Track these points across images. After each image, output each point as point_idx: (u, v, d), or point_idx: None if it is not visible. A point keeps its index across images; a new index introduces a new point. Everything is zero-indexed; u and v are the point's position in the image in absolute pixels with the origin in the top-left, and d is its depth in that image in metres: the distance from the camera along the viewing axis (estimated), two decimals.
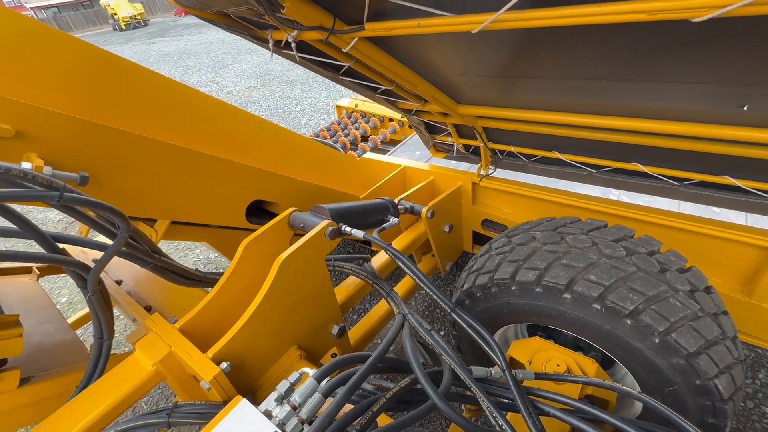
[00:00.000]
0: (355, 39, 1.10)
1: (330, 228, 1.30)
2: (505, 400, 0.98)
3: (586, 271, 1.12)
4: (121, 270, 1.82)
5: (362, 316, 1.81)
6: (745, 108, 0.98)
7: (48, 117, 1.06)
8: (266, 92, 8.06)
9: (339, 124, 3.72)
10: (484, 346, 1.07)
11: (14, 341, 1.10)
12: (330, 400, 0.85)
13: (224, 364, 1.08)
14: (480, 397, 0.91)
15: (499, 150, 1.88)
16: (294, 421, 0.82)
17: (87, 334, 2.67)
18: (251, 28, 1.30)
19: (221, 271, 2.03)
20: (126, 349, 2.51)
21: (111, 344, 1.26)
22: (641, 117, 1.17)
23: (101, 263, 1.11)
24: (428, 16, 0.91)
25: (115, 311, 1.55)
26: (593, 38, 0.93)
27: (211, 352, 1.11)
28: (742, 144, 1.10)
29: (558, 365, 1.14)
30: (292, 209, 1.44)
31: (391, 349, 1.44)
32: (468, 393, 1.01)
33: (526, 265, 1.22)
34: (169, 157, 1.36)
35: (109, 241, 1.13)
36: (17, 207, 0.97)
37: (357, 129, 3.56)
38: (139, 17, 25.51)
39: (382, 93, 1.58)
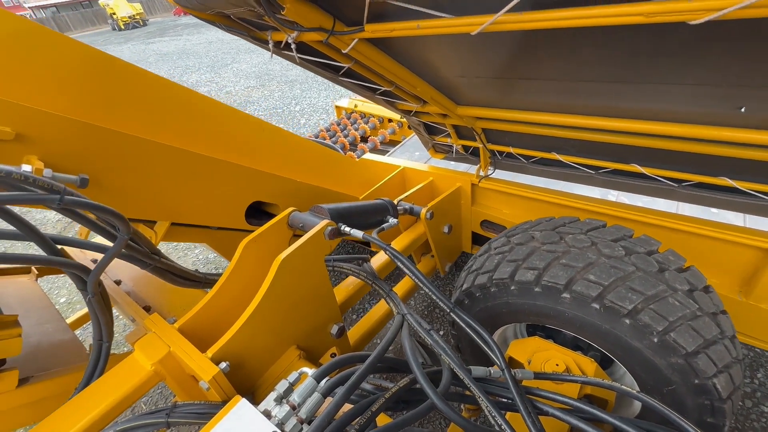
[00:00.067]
0: (355, 40, 1.10)
1: (329, 228, 1.30)
2: (504, 400, 0.98)
3: (585, 271, 1.12)
4: (120, 270, 1.82)
5: (362, 316, 1.81)
6: (743, 110, 0.99)
7: (48, 119, 1.06)
8: (265, 92, 8.06)
9: (338, 124, 3.72)
10: (483, 345, 1.07)
11: (13, 341, 1.10)
12: (329, 400, 0.85)
13: (223, 364, 1.08)
14: (479, 397, 0.91)
15: (498, 151, 1.89)
16: (293, 420, 0.82)
17: (86, 335, 2.66)
18: (251, 29, 1.30)
19: (220, 271, 2.03)
20: (125, 349, 2.51)
21: (110, 346, 1.26)
22: (640, 118, 1.18)
23: (101, 266, 1.11)
24: (428, 18, 0.91)
25: (115, 311, 1.55)
26: (592, 40, 0.94)
27: (210, 352, 1.11)
28: (739, 145, 1.10)
29: (557, 365, 1.14)
30: (291, 209, 1.44)
31: (390, 348, 1.44)
32: (467, 393, 1.01)
33: (525, 264, 1.23)
34: (168, 159, 1.36)
35: (109, 243, 1.13)
36: (16, 209, 0.97)
37: (356, 130, 3.56)
38: (138, 17, 25.48)
39: (382, 94, 1.59)
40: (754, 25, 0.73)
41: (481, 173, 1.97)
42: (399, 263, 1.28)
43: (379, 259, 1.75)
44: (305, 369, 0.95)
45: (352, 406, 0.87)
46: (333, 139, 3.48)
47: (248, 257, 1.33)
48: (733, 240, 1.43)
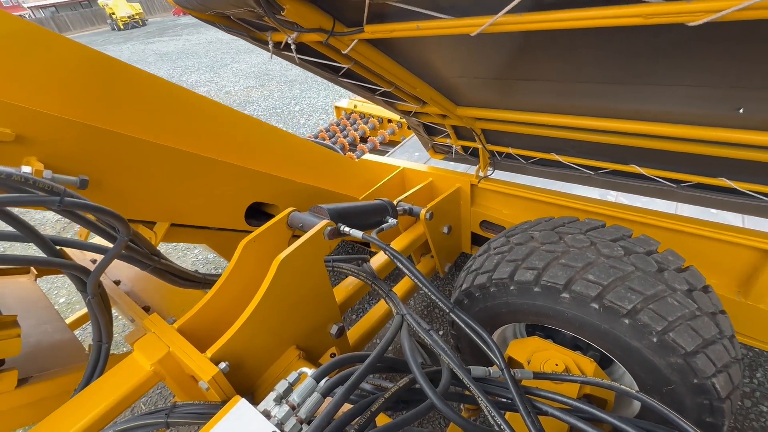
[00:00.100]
0: (355, 41, 1.10)
1: (329, 228, 1.30)
2: (503, 400, 0.99)
3: (584, 271, 1.13)
4: (120, 270, 1.81)
5: (361, 316, 1.82)
6: (741, 111, 0.99)
7: (47, 121, 1.06)
8: (265, 92, 8.06)
9: (338, 125, 3.73)
10: (482, 345, 1.07)
11: (12, 342, 1.10)
12: (329, 400, 0.85)
13: (223, 364, 1.08)
14: (478, 397, 0.91)
15: (497, 152, 1.89)
16: (292, 420, 0.82)
17: (85, 335, 2.66)
18: (251, 30, 1.30)
19: (220, 271, 2.03)
20: (124, 349, 2.51)
21: (110, 347, 1.26)
22: (639, 119, 1.18)
23: (101, 267, 1.11)
24: (427, 19, 0.91)
25: (114, 312, 1.55)
26: (591, 41, 0.94)
27: (209, 352, 1.11)
28: (738, 146, 1.11)
29: (556, 365, 1.14)
30: (290, 209, 1.44)
31: (390, 348, 1.44)
32: (467, 392, 1.01)
33: (525, 264, 1.23)
34: (167, 160, 1.36)
35: (108, 244, 1.13)
36: (15, 210, 0.97)
37: (356, 130, 3.56)
38: (137, 17, 25.46)
39: (381, 94, 1.59)
40: (752, 26, 0.74)
41: (481, 174, 1.98)
42: (398, 263, 1.28)
43: (378, 260, 1.75)
44: (305, 369, 0.95)
45: (352, 406, 0.87)
46: (332, 139, 3.48)
47: (247, 257, 1.33)
48: (731, 240, 1.43)
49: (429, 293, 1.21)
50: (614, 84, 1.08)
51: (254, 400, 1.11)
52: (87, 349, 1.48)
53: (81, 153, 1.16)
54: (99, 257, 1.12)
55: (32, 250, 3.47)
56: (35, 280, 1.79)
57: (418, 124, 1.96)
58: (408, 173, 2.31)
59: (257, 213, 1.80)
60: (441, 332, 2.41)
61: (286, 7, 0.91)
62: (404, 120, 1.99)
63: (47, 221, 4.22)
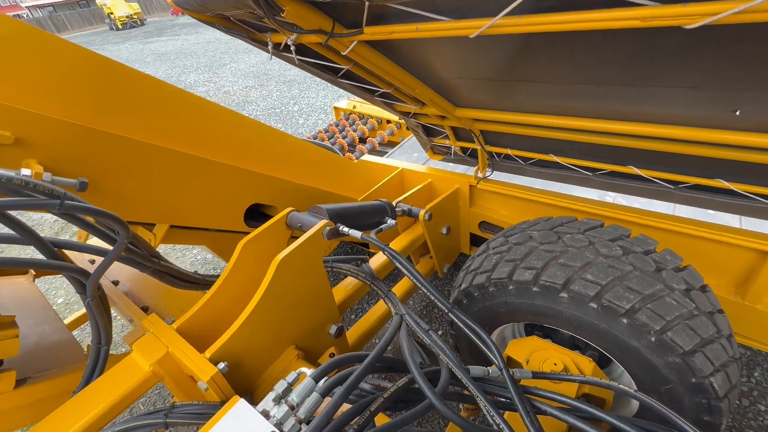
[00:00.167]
0: (354, 42, 1.11)
1: (328, 228, 1.30)
2: (502, 399, 0.99)
3: (582, 271, 1.13)
4: (118, 270, 1.81)
5: (360, 317, 1.82)
6: (738, 113, 1.00)
7: (47, 123, 1.06)
8: (264, 92, 8.05)
9: (337, 125, 3.73)
10: (481, 345, 1.08)
11: (10, 342, 1.10)
12: (328, 400, 0.85)
13: (222, 365, 1.08)
14: (477, 397, 0.92)
15: (496, 153, 1.90)
16: (292, 420, 0.82)
17: (84, 335, 2.65)
18: (250, 31, 1.30)
19: (219, 272, 2.02)
20: (123, 349, 2.50)
21: (109, 350, 1.26)
22: (636, 121, 1.19)
23: (100, 269, 1.11)
24: (427, 21, 0.92)
25: (113, 312, 1.55)
26: (589, 43, 0.95)
27: (208, 353, 1.11)
28: (735, 148, 1.11)
29: (555, 364, 1.15)
30: (289, 209, 1.44)
31: (389, 348, 1.44)
32: (466, 392, 1.01)
33: (524, 264, 1.23)
34: (167, 162, 1.36)
35: (107, 245, 1.13)
36: (14, 212, 0.97)
37: (355, 131, 3.56)
38: (135, 16, 25.42)
39: (381, 96, 1.59)
40: (749, 29, 0.74)
41: (479, 175, 1.98)
42: (397, 263, 1.28)
43: (377, 260, 1.76)
44: (304, 369, 0.95)
45: (351, 405, 0.87)
46: (331, 140, 3.48)
47: (246, 257, 1.33)
48: (729, 241, 1.44)
49: (428, 293, 1.21)
50: (612, 86, 1.08)
51: (253, 400, 1.11)
52: (86, 349, 1.47)
53: (80, 155, 1.16)
54: (98, 257, 1.12)
55: (30, 251, 3.46)
56: (33, 280, 1.79)
57: (417, 125, 1.96)
58: (407, 174, 2.32)
59: (256, 214, 1.80)
60: (440, 332, 2.41)
61: (286, 8, 0.92)
62: (403, 121, 1.99)
63: (45, 221, 4.21)
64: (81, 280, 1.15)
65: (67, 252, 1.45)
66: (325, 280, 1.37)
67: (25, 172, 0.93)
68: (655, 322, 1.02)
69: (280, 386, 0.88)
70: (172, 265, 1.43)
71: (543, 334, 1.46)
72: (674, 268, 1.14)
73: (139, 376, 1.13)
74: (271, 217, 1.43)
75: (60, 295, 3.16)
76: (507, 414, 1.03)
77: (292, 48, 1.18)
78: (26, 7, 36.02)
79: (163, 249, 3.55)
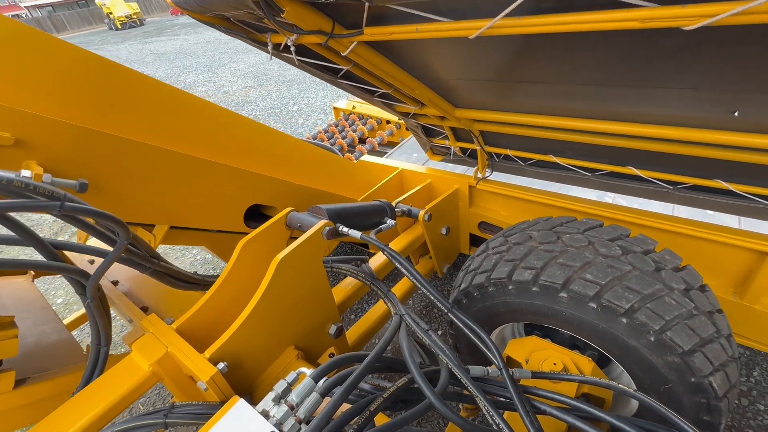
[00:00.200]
0: (354, 43, 1.11)
1: (327, 228, 1.30)
2: (502, 399, 0.99)
3: (582, 270, 1.13)
4: (118, 270, 1.81)
5: (360, 317, 1.82)
6: (736, 114, 1.00)
7: (46, 124, 1.07)
8: (263, 92, 8.05)
9: (336, 126, 3.73)
10: (480, 345, 1.08)
11: (9, 342, 1.10)
12: (327, 400, 0.85)
13: (221, 365, 1.08)
14: (477, 396, 0.92)
15: (495, 153, 1.90)
16: (291, 420, 0.82)
17: (83, 335, 2.65)
18: (250, 32, 1.30)
19: (218, 272, 2.02)
20: (123, 350, 2.50)
21: (108, 351, 1.26)
22: (635, 121, 1.19)
23: (100, 271, 1.11)
24: (426, 22, 0.92)
25: (112, 312, 1.55)
26: (589, 44, 0.95)
27: (208, 353, 1.11)
28: (733, 149, 1.12)
29: (555, 364, 1.15)
30: (289, 209, 1.44)
31: (389, 348, 1.45)
32: (465, 392, 1.01)
33: (523, 264, 1.24)
34: (166, 163, 1.36)
35: (107, 247, 1.13)
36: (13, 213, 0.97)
37: (354, 131, 3.57)
38: (135, 16, 25.41)
39: (380, 96, 1.60)
40: (746, 30, 0.75)
41: (479, 175, 1.99)
42: (397, 263, 1.29)
43: (377, 260, 1.76)
44: (303, 369, 0.96)
45: (351, 405, 0.87)
46: (331, 140, 3.48)
47: (246, 257, 1.33)
48: (728, 242, 1.44)
49: (427, 293, 1.21)
50: (611, 87, 1.09)
51: (253, 401, 1.11)
52: (85, 349, 1.47)
53: (80, 156, 1.16)
54: (97, 257, 1.12)
55: (30, 252, 3.45)
56: (33, 280, 1.78)
57: (417, 126, 1.97)
58: (406, 174, 2.32)
59: (256, 215, 1.80)
60: (440, 332, 2.41)
61: (286, 9, 0.92)
62: (402, 121, 2.00)
63: (45, 221, 4.20)
64: (81, 281, 1.15)
65: (66, 253, 1.45)
66: (324, 280, 1.37)
67: (25, 173, 0.93)
68: (655, 322, 1.02)
69: (280, 386, 0.88)
70: (172, 265, 1.43)
71: (542, 333, 1.46)
72: (673, 268, 1.14)
73: (138, 376, 1.12)
74: (270, 217, 1.43)
75: (59, 295, 3.16)
76: (506, 414, 1.04)
77: (292, 49, 1.18)
78: (25, 6, 35.99)
79: (162, 249, 3.55)
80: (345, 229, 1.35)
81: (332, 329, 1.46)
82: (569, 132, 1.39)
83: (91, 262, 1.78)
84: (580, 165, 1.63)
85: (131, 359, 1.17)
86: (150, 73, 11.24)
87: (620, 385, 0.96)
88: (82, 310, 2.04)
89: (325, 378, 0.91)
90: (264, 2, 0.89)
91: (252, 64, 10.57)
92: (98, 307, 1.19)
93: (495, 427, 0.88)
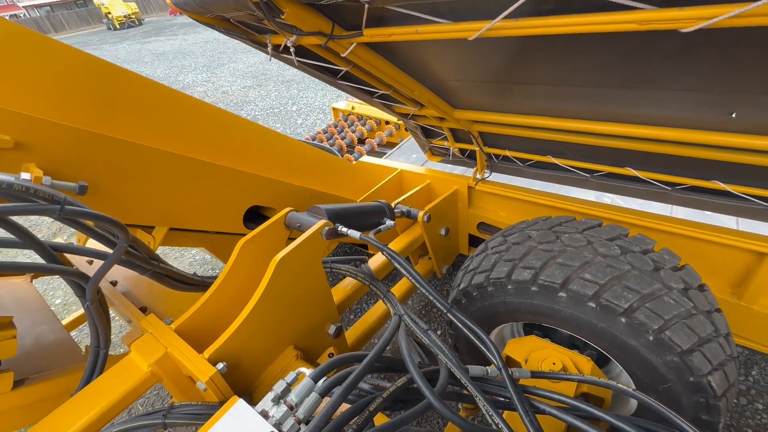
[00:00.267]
0: (354, 44, 1.11)
1: (326, 228, 1.30)
2: (501, 399, 0.99)
3: (581, 270, 1.14)
4: (117, 271, 1.80)
5: (359, 317, 1.82)
6: (734, 115, 1.01)
7: (46, 127, 1.07)
8: (262, 92, 8.05)
9: (335, 126, 3.73)
10: (480, 345, 1.08)
11: (8, 343, 1.09)
12: (327, 400, 0.85)
13: (220, 365, 1.08)
14: (476, 396, 0.92)
15: (494, 154, 1.90)
16: (291, 420, 0.83)
17: (82, 336, 2.64)
18: (250, 33, 1.31)
19: (218, 273, 2.02)
20: (122, 350, 2.49)
21: (107, 353, 1.26)
22: (634, 123, 1.20)
23: (100, 273, 1.11)
24: (426, 23, 0.92)
25: (111, 312, 1.54)
26: (587, 46, 0.95)
27: (207, 353, 1.11)
28: (731, 150, 1.12)
29: (554, 363, 1.15)
30: (288, 209, 1.44)
31: (388, 348, 1.45)
32: (465, 392, 1.02)
33: (522, 264, 1.24)
34: (166, 165, 1.36)
35: (107, 249, 1.13)
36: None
37: (353, 132, 3.57)
38: (133, 16, 25.36)
39: (380, 97, 1.60)
40: (744, 32, 0.75)
41: (478, 176, 1.99)
42: (396, 264, 1.29)
43: (376, 261, 1.76)
44: (303, 369, 0.96)
45: (350, 405, 0.87)
46: (330, 141, 3.48)
47: (245, 257, 1.33)
48: (726, 243, 1.45)
49: (426, 293, 1.22)
50: (610, 88, 1.09)
51: (252, 401, 1.11)
52: (84, 350, 1.47)
53: (79, 159, 1.16)
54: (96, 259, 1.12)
55: (30, 252, 3.44)
56: (31, 281, 1.78)
57: (416, 127, 1.97)
58: (406, 175, 2.32)
59: (255, 216, 1.80)
60: (439, 332, 2.41)
61: (286, 10, 0.92)
62: (402, 122, 2.00)
63: (43, 222, 4.19)
64: (80, 283, 1.15)
65: (66, 255, 1.45)
66: (323, 280, 1.37)
67: (25, 176, 0.94)
68: (654, 321, 1.03)
69: (279, 386, 0.88)
70: (172, 267, 1.43)
71: (542, 333, 1.46)
72: (672, 268, 1.15)
73: (137, 376, 1.12)
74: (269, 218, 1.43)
75: (58, 295, 3.15)
76: (506, 413, 1.04)
77: (292, 50, 1.18)
78: (23, 6, 35.89)
79: (161, 249, 3.54)
80: (344, 230, 1.35)
81: (331, 329, 1.46)
82: (568, 133, 1.39)
83: (90, 262, 1.78)
84: (579, 166, 1.63)
85: (130, 360, 1.17)
86: (148, 73, 11.25)
87: (619, 385, 0.96)
88: (81, 311, 2.04)
89: (324, 378, 0.91)
90: (264, 3, 0.90)
91: (251, 64, 10.56)
92: (98, 309, 1.19)
93: (494, 426, 0.88)
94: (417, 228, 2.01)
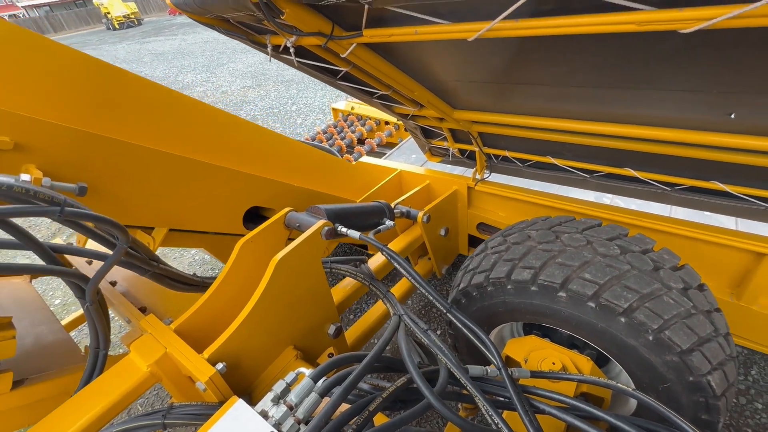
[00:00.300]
0: (354, 45, 1.11)
1: (326, 228, 1.30)
2: (501, 399, 0.99)
3: (580, 270, 1.14)
4: (116, 271, 1.80)
5: (359, 317, 1.82)
6: (732, 116, 1.01)
7: (45, 128, 1.07)
8: (262, 92, 8.05)
9: (335, 126, 3.73)
10: (479, 345, 1.08)
11: (7, 343, 1.09)
12: (326, 400, 0.85)
13: (220, 365, 1.08)
14: (476, 396, 0.92)
15: (494, 154, 1.91)
16: (290, 421, 0.83)
17: (81, 336, 2.64)
18: (250, 33, 1.31)
19: (218, 273, 2.02)
20: (121, 350, 2.49)
21: (107, 354, 1.26)
22: (633, 123, 1.20)
23: (100, 275, 1.11)
24: (426, 24, 0.92)
25: (110, 313, 1.54)
26: (587, 47, 0.96)
27: (206, 353, 1.11)
28: (730, 150, 1.13)
29: (553, 363, 1.15)
30: (287, 209, 1.44)
31: (388, 348, 1.45)
32: (464, 392, 1.02)
33: (522, 263, 1.24)
34: (166, 166, 1.36)
35: (105, 248, 1.13)
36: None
37: (353, 132, 3.57)
38: (132, 16, 25.34)
39: (379, 98, 1.60)
40: (743, 33, 0.76)
41: (477, 176, 1.99)
42: (395, 264, 1.29)
43: (376, 261, 1.76)
44: (302, 369, 0.96)
45: (350, 405, 0.87)
46: (330, 141, 3.48)
47: (244, 257, 1.33)
48: (725, 243, 1.45)
49: (426, 293, 1.22)
50: (609, 89, 1.09)
51: (252, 401, 1.11)
52: (83, 350, 1.47)
53: (79, 160, 1.16)
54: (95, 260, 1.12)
55: (28, 253, 3.43)
56: (30, 281, 1.78)
57: (416, 127, 1.97)
58: (405, 176, 2.32)
59: (255, 217, 1.80)
60: (439, 332, 2.41)
61: (286, 11, 0.92)
62: (401, 122, 2.00)
63: (42, 222, 4.18)
64: (80, 285, 1.15)
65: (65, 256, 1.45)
66: (323, 280, 1.37)
67: (25, 177, 0.94)
68: (653, 321, 1.03)
69: (279, 386, 0.88)
70: (171, 268, 1.43)
71: (541, 333, 1.46)
72: (672, 267, 1.15)
73: (137, 377, 1.12)
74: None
75: (57, 296, 3.14)
76: (506, 413, 1.04)
77: (292, 50, 1.18)
78: (22, 6, 35.86)
79: (160, 250, 3.54)
80: (344, 230, 1.35)
81: (331, 329, 1.46)
82: (567, 134, 1.39)
83: (89, 262, 1.78)
84: (578, 166, 1.64)
85: (129, 360, 1.16)
86: (148, 73, 11.24)
87: (619, 384, 0.97)
88: (80, 311, 2.04)
89: (324, 378, 0.91)
90: (264, 4, 0.90)
91: (250, 64, 10.56)
92: (97, 310, 1.19)
93: (494, 426, 0.88)
94: (416, 228, 2.02)
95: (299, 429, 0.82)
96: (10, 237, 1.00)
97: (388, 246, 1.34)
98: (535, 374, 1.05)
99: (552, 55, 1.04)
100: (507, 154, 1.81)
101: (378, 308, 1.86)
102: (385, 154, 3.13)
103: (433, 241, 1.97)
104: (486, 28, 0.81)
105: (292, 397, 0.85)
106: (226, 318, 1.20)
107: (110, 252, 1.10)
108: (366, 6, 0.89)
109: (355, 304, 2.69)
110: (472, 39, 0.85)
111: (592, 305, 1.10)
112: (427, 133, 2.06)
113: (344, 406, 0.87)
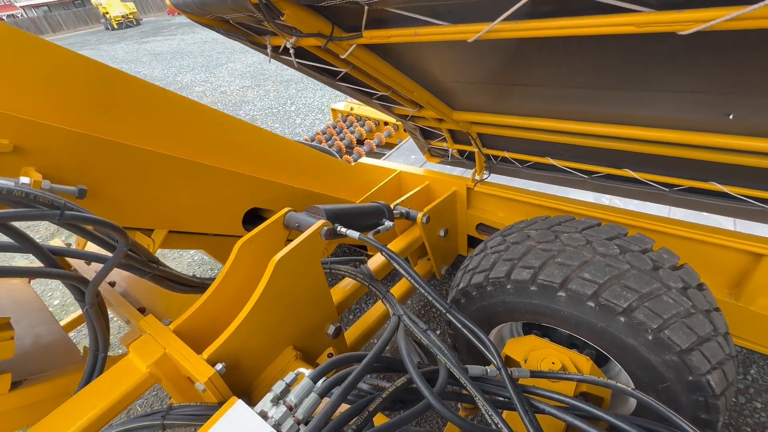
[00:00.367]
0: (353, 46, 1.11)
1: (325, 228, 1.30)
2: (501, 399, 0.99)
3: (580, 269, 1.14)
4: (115, 271, 1.79)
5: (359, 317, 1.82)
6: (731, 117, 1.01)
7: (45, 131, 1.07)
8: (261, 92, 8.04)
9: (334, 127, 3.73)
10: (479, 345, 1.08)
11: (5, 344, 1.09)
12: (326, 400, 0.85)
13: (219, 365, 1.08)
14: (476, 396, 0.92)
15: (493, 155, 1.91)
16: (290, 421, 0.83)
17: (80, 337, 2.63)
18: (249, 34, 1.31)
19: (217, 273, 2.02)
20: (120, 351, 2.48)
21: (106, 356, 1.26)
22: (632, 124, 1.20)
23: (99, 277, 1.10)
24: (425, 25, 0.93)
25: (109, 313, 1.54)
26: (586, 48, 0.96)
27: (206, 354, 1.10)
28: (728, 151, 1.13)
29: (553, 363, 1.15)
30: (286, 209, 1.44)
31: (388, 348, 1.45)
32: (464, 392, 1.02)
33: (521, 263, 1.24)
34: (165, 168, 1.36)
35: (105, 251, 1.13)
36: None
37: (352, 132, 3.57)
38: (131, 16, 25.31)
39: (379, 98, 1.60)
40: (741, 35, 0.76)
41: (477, 177, 1.99)
42: (395, 264, 1.29)
43: (375, 261, 1.76)
44: (302, 369, 0.96)
45: (349, 406, 0.87)
46: (329, 142, 3.48)
47: (244, 258, 1.33)
48: (723, 244, 1.45)
49: (426, 293, 1.22)
50: (608, 90, 1.10)
51: (251, 401, 1.11)
52: (82, 351, 1.46)
53: (78, 162, 1.16)
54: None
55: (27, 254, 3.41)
56: (29, 282, 1.77)
57: (415, 128, 1.97)
58: (405, 176, 2.32)
59: (255, 218, 1.79)
60: (438, 332, 2.41)
61: (286, 12, 0.92)
62: (401, 123, 2.00)
63: (41, 222, 4.17)
64: (79, 287, 1.15)
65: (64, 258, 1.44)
66: (323, 280, 1.37)
67: (24, 180, 0.93)
68: (653, 321, 1.03)
69: (278, 387, 0.88)
70: (171, 269, 1.43)
71: (541, 333, 1.46)
72: (671, 267, 1.15)
73: (136, 377, 1.12)
74: None
75: (56, 297, 3.13)
76: (505, 413, 1.04)
77: (291, 51, 1.18)
78: (21, 6, 35.77)
79: (159, 250, 3.53)
80: (343, 230, 1.35)
81: (331, 329, 1.46)
82: (566, 134, 1.40)
83: (88, 262, 1.77)
84: (577, 167, 1.64)
85: (129, 360, 1.16)
86: (146, 73, 11.22)
87: (618, 384, 0.97)
88: (79, 312, 2.03)
89: (323, 378, 0.91)
90: (264, 5, 0.90)
91: (249, 64, 10.55)
92: (96, 313, 1.18)
93: (494, 426, 0.89)
94: (416, 229, 2.02)
95: (299, 429, 0.82)
96: (9, 240, 1.00)
97: (388, 246, 1.34)
98: (534, 374, 1.05)
99: (551, 56, 1.04)
100: (506, 155, 1.81)
101: (377, 308, 1.86)
102: (384, 154, 3.13)
103: (432, 241, 1.97)
104: (485, 29, 0.82)
105: (291, 398, 0.85)
106: (226, 318, 1.20)
107: (110, 254, 1.10)
108: (366, 7, 0.89)
109: (354, 305, 2.69)
110: (471, 40, 0.86)
111: (592, 305, 1.10)
112: (427, 134, 2.07)
113: (344, 407, 0.87)
